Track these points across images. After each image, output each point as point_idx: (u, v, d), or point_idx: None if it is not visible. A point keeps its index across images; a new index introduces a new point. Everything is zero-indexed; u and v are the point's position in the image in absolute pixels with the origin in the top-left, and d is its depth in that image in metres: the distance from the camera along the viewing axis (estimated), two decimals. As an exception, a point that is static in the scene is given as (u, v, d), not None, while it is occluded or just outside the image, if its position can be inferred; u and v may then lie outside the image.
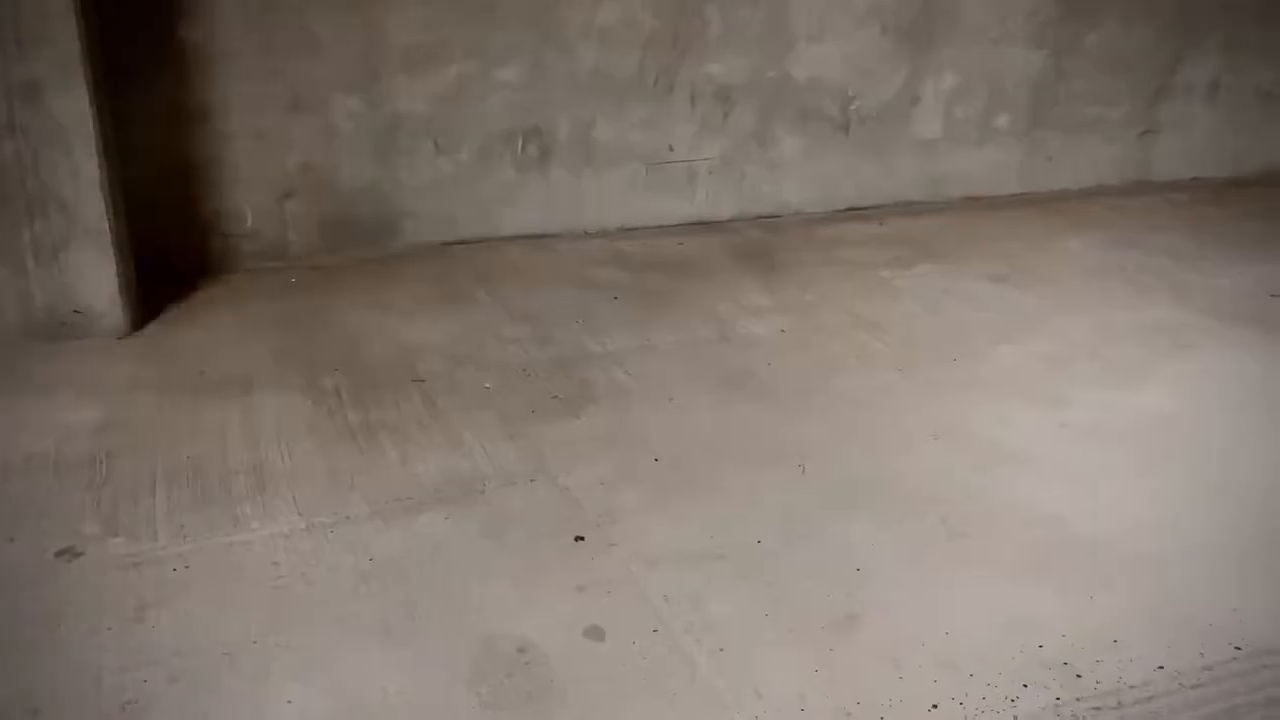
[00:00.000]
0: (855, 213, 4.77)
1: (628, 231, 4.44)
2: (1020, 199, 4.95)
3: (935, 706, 1.81)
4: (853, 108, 4.68)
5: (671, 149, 4.47)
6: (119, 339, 3.28)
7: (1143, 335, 3.48)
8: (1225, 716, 1.80)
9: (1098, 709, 1.81)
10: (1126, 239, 4.46)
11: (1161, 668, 1.91)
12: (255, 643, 1.96)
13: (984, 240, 4.46)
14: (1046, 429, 2.86)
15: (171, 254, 3.76)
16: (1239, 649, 1.96)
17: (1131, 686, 1.86)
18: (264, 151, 3.85)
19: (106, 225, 3.20)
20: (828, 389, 3.10)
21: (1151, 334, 3.49)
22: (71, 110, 3.05)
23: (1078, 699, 1.83)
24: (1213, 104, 5.18)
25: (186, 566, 2.18)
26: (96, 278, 3.24)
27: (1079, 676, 1.88)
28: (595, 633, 1.99)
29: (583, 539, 2.29)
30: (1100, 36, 4.91)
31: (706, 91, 4.42)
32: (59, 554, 2.21)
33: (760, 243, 4.41)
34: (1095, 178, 5.12)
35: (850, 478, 2.59)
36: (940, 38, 4.70)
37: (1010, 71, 4.86)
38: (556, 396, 2.99)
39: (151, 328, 3.39)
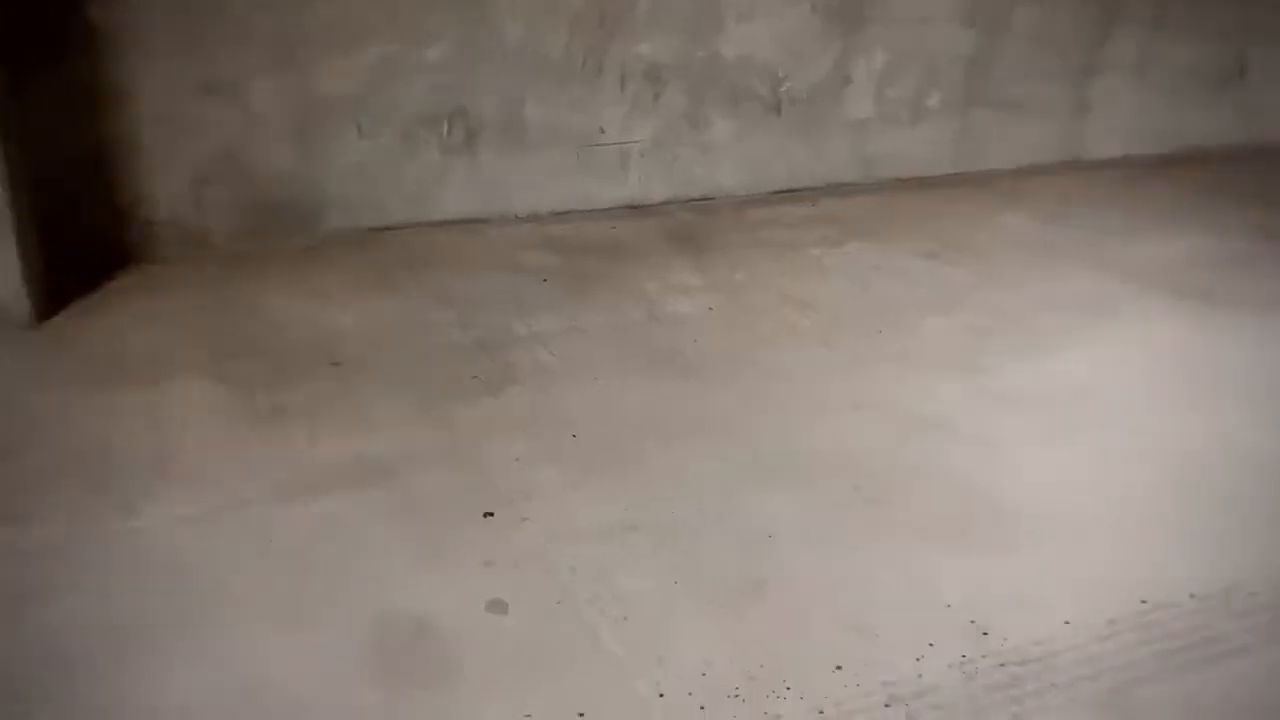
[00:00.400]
0: (788, 194, 4.75)
1: (559, 215, 4.39)
2: (953, 178, 4.97)
3: (840, 667, 1.79)
4: (784, 88, 4.67)
5: (603, 131, 4.43)
6: (24, 330, 3.16)
7: (1069, 306, 3.50)
8: (1127, 667, 1.80)
9: (1002, 664, 1.80)
10: (1057, 215, 4.49)
11: (1068, 623, 1.90)
12: (146, 628, 1.89)
13: (916, 219, 4.47)
14: (969, 398, 2.85)
15: (84, 243, 3.65)
16: (1144, 602, 1.96)
17: (1037, 642, 1.85)
18: (180, 136, 3.75)
19: (7, 213, 3.08)
20: (754, 365, 3.07)
21: (1077, 305, 3.51)
22: (-35, 92, 2.94)
23: (983, 655, 1.82)
24: (1142, 82, 5.23)
25: (80, 554, 2.10)
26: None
27: (985, 634, 1.87)
28: (498, 606, 1.95)
29: (492, 515, 2.24)
30: (1029, 14, 4.94)
31: (636, 72, 4.38)
32: (-57, 544, 2.12)
33: (692, 225, 4.38)
34: (1027, 156, 5.14)
35: (772, 450, 2.56)
36: (871, 16, 4.70)
37: (941, 50, 4.87)
38: (477, 377, 2.93)
39: (60, 318, 3.28)
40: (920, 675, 1.77)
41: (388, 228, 4.14)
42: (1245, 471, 2.45)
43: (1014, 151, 5.11)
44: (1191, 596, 1.98)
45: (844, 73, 4.75)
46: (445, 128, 4.13)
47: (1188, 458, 2.53)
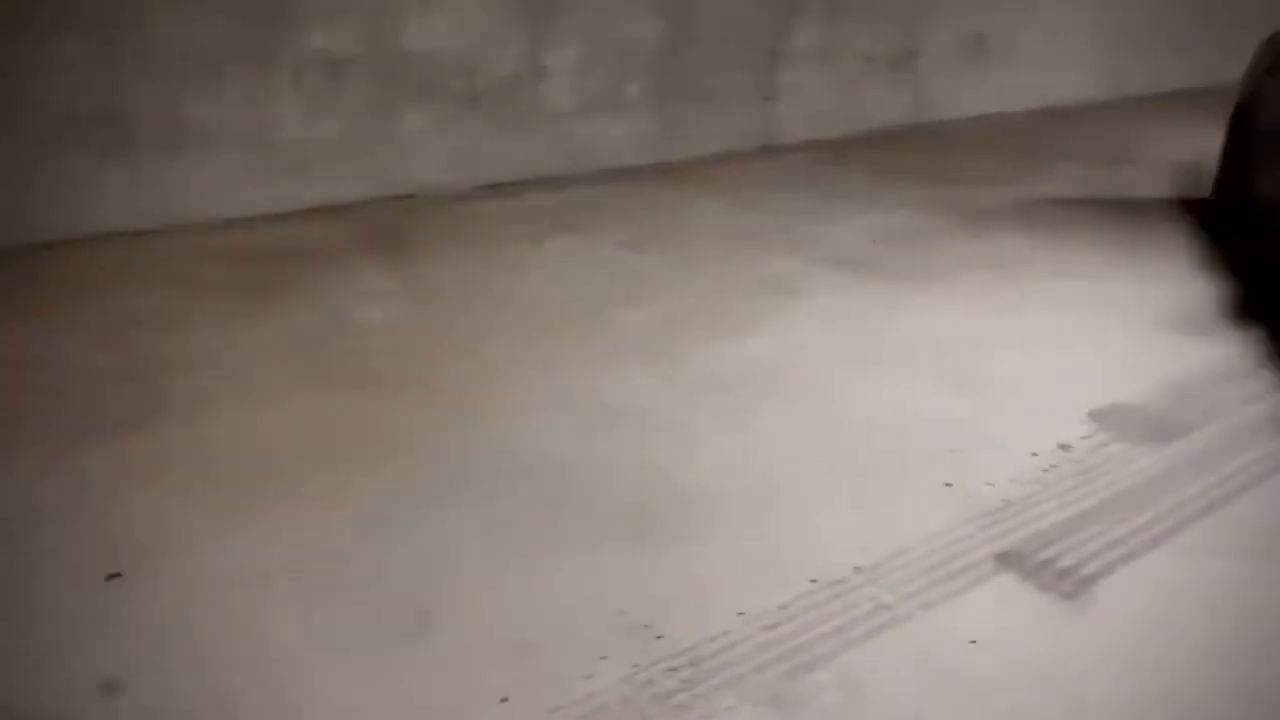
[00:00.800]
0: (494, 189, 4.61)
1: (239, 222, 4.02)
2: (655, 168, 5.01)
3: (505, 699, 1.66)
4: (477, 80, 4.51)
5: (282, 129, 4.10)
6: None
7: (759, 288, 3.57)
8: (796, 652, 1.78)
9: (674, 669, 1.73)
10: (753, 200, 4.62)
11: (742, 613, 1.87)
12: None
13: (619, 209, 4.45)
14: (660, 386, 2.82)
15: None
16: (814, 581, 1.97)
17: (711, 638, 1.81)
18: None
19: None
20: (444, 371, 2.90)
21: (767, 286, 3.58)
22: None
23: (655, 662, 1.75)
24: (822, 68, 5.50)
25: None
26: None
27: (659, 638, 1.80)
28: (113, 687, 1.67)
29: (119, 575, 1.94)
30: (715, 5, 5.05)
31: (313, 65, 4.08)
32: None
33: (389, 224, 4.14)
34: (724, 144, 5.28)
35: (457, 461, 2.41)
36: (561, 6, 4.64)
37: (634, 40, 4.88)
38: (119, 412, 2.58)
39: None
40: (590, 695, 1.67)
41: (24, 247, 3.61)
42: (910, 433, 2.55)
43: (711, 139, 5.23)
44: (856, 570, 2.01)
45: (539, 63, 4.66)
46: (92, 131, 3.66)
47: (862, 424, 2.60)
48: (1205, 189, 4.48)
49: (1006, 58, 6.20)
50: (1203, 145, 4.48)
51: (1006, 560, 2.05)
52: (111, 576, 1.94)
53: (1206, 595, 1.98)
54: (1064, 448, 2.48)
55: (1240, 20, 4.82)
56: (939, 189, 4.73)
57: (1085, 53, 6.61)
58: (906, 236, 4.11)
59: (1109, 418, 2.64)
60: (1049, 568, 2.03)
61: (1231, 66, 4.25)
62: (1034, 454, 2.45)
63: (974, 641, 1.82)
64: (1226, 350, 3.06)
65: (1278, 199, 3.43)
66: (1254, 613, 1.93)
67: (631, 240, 4.06)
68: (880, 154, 5.36)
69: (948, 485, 2.32)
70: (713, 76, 5.17)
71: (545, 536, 2.10)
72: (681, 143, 5.12)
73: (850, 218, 4.35)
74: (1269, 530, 2.20)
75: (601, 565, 2.01)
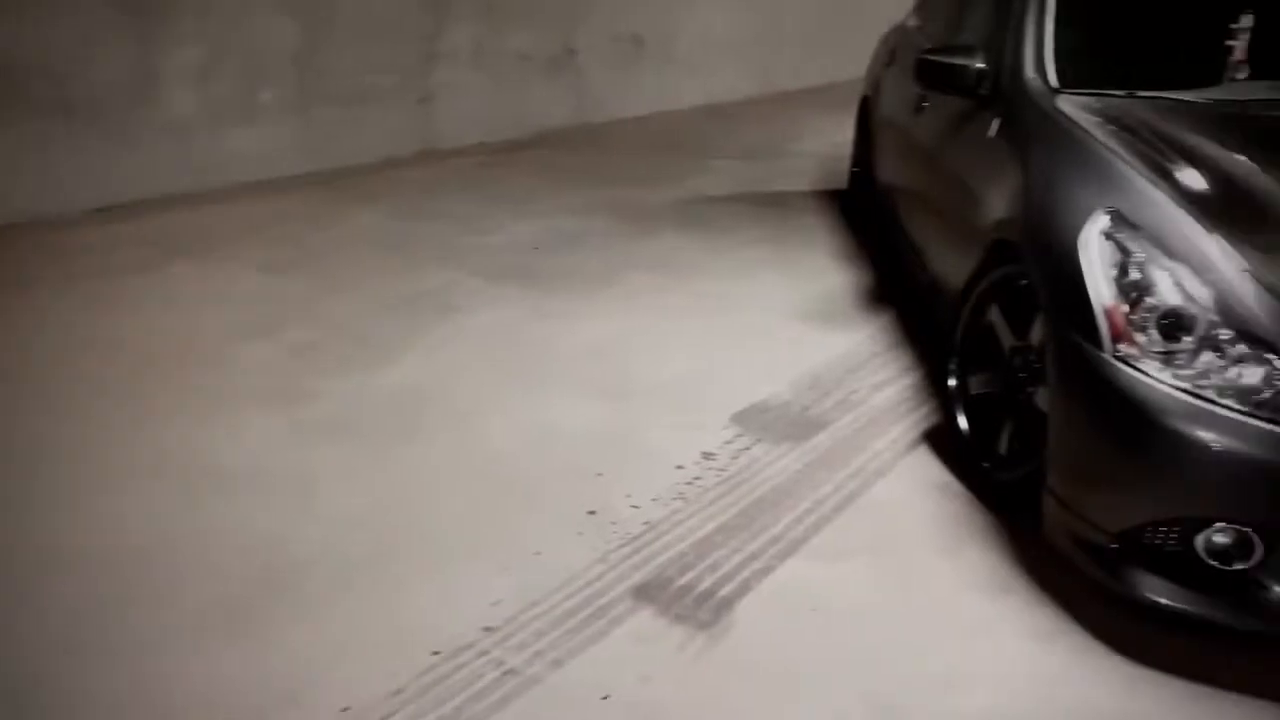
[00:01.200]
0: (104, 213, 4.03)
1: None
2: (304, 178, 4.60)
3: None
4: (73, 88, 3.91)
5: None
6: None
7: (411, 306, 3.31)
8: (412, 746, 1.57)
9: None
10: (411, 209, 4.34)
11: (347, 709, 1.62)
12: None
13: (259, 227, 4.03)
14: (280, 434, 2.50)
15: None
16: (437, 654, 1.75)
17: (301, 752, 1.55)
18: None
19: None
20: (15, 443, 2.42)
21: (419, 304, 3.34)
22: None
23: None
24: (479, 68, 5.30)
25: None
26: None
27: (237, 763, 1.52)
28: None
29: None
30: (357, 3, 4.71)
31: None
32: None
33: (-38, 263, 3.49)
34: (382, 149, 4.95)
35: (9, 558, 1.97)
36: (175, 5, 4.12)
37: (264, 41, 4.45)
38: None
39: None
40: None
41: None
42: (558, 458, 2.40)
43: (366, 145, 4.89)
44: (486, 630, 1.81)
45: (151, 68, 4.13)
46: None
47: (508, 455, 2.42)
48: (845, 180, 4.72)
49: (664, 57, 6.30)
50: (848, 138, 4.71)
51: (645, 593, 1.94)
52: None
53: (840, 600, 1.96)
54: (707, 456, 2.43)
55: (885, 13, 5.07)
56: (601, 191, 4.67)
57: (739, 50, 6.86)
58: (568, 241, 4.00)
59: (751, 419, 2.62)
60: (687, 594, 1.94)
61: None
62: (679, 466, 2.38)
63: (606, 697, 1.68)
64: (860, 338, 3.18)
65: (894, 185, 3.62)
66: (882, 614, 1.93)
67: (269, 261, 3.66)
68: (543, 156, 5.24)
69: (591, 513, 2.19)
70: (361, 79, 4.83)
71: (108, 647, 1.74)
72: (330, 150, 4.74)
73: (512, 224, 4.19)
74: (894, 520, 2.23)
75: (179, 672, 1.69)
